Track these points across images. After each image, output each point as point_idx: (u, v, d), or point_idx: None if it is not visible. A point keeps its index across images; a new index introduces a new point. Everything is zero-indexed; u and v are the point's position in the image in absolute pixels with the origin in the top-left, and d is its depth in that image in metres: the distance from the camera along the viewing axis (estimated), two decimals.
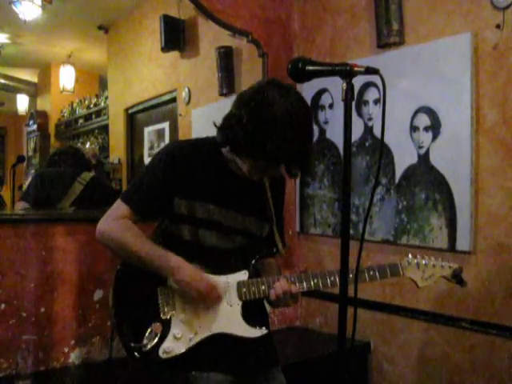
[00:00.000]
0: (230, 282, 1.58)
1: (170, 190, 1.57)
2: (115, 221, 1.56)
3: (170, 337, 1.53)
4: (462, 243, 2.36)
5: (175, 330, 1.53)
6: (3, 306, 2.24)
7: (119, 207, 1.58)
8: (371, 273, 1.63)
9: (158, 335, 1.53)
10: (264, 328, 1.60)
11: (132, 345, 1.52)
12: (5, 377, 2.21)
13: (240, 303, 1.57)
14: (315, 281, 1.60)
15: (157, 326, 1.53)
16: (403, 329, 2.65)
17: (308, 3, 3.15)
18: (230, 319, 1.56)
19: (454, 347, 2.43)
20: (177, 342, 1.53)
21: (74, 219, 2.50)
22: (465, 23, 2.37)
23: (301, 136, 1.44)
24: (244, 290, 1.57)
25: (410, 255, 1.66)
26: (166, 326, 1.54)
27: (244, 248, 1.64)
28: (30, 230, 2.32)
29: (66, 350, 2.39)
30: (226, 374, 1.56)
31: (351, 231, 1.14)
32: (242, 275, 1.59)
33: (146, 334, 1.52)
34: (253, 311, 1.60)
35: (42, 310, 2.33)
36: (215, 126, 1.55)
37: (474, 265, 2.35)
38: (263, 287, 1.57)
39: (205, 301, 1.54)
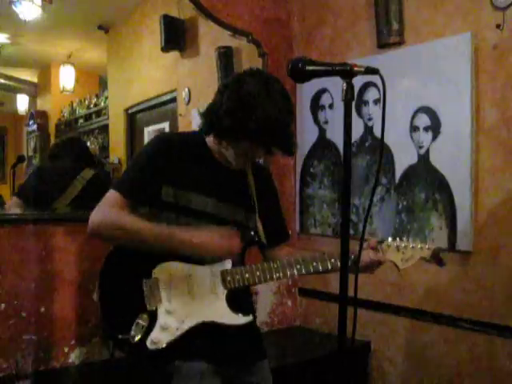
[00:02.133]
0: (214, 271, 1.59)
1: (157, 175, 1.59)
2: (110, 209, 1.56)
3: (157, 327, 1.54)
4: (462, 243, 2.36)
5: (162, 320, 1.54)
6: (3, 306, 2.24)
7: (110, 195, 1.59)
8: (352, 257, 1.62)
9: (145, 326, 1.53)
10: (250, 315, 1.62)
11: (120, 336, 1.54)
12: (5, 377, 2.21)
13: (225, 292, 1.59)
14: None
15: (143, 318, 1.54)
16: (403, 329, 2.65)
17: (308, 3, 3.15)
18: (215, 308, 1.58)
19: (454, 347, 2.43)
20: (164, 332, 1.54)
21: (73, 219, 2.49)
22: (465, 23, 2.37)
23: (280, 110, 1.50)
24: (228, 278, 1.59)
25: (389, 238, 1.67)
26: (153, 317, 1.55)
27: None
28: (29, 230, 2.32)
29: (66, 350, 2.39)
30: (208, 363, 1.57)
31: (351, 231, 1.15)
32: (226, 264, 1.61)
33: (133, 326, 1.53)
34: (238, 299, 1.62)
35: (42, 309, 2.33)
36: (199, 114, 1.64)
37: (473, 265, 2.36)
38: (247, 275, 1.59)
39: (223, 248, 1.55)
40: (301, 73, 1.18)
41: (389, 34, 2.63)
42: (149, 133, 4.23)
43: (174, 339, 1.54)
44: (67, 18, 4.52)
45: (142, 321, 1.54)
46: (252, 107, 1.48)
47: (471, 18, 2.35)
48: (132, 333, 1.53)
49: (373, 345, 2.79)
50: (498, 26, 2.24)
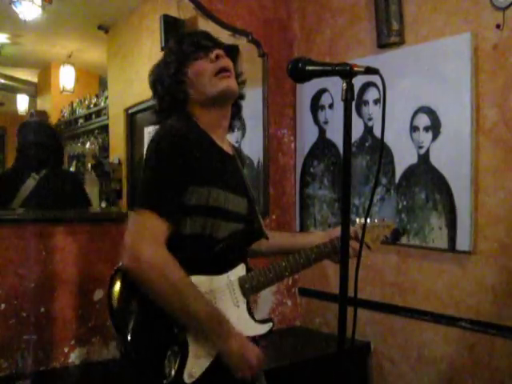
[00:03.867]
0: (232, 279, 1.47)
1: (186, 178, 1.38)
2: (160, 245, 1.31)
3: (190, 357, 1.38)
4: (462, 243, 2.36)
5: (194, 348, 1.39)
6: (3, 306, 2.24)
7: (148, 220, 1.32)
8: (328, 246, 1.64)
9: (179, 359, 1.37)
10: (270, 322, 1.53)
11: (164, 382, 1.36)
12: (5, 377, 2.21)
13: (245, 301, 1.49)
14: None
15: (174, 350, 1.37)
16: (403, 329, 2.65)
17: (308, 3, 3.15)
18: (241, 321, 1.46)
19: (454, 347, 2.43)
20: (198, 360, 1.39)
21: (73, 219, 2.49)
22: (465, 23, 2.37)
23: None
24: (247, 285, 1.48)
25: (357, 219, 1.69)
26: (184, 346, 1.38)
27: (243, 236, 1.53)
28: (29, 230, 2.32)
29: (66, 350, 2.39)
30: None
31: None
32: (241, 270, 1.49)
33: (166, 362, 1.36)
34: (250, 306, 1.53)
35: (42, 310, 2.33)
36: (155, 110, 1.57)
37: (474, 265, 2.36)
38: (262, 278, 1.50)
39: (245, 372, 1.41)
40: (301, 73, 1.18)
41: (389, 34, 2.63)
42: (149, 133, 4.22)
43: (208, 367, 1.39)
44: (67, 18, 4.52)
45: (174, 353, 1.37)
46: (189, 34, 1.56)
47: (471, 18, 2.35)
48: (166, 370, 1.35)
49: (373, 345, 2.79)
50: (497, 26, 2.24)
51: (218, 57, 1.47)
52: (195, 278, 1.40)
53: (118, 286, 1.45)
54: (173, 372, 1.35)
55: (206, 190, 1.40)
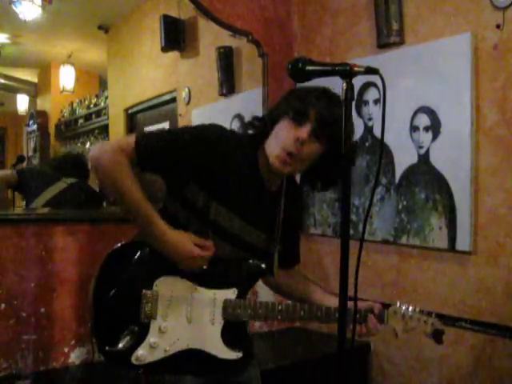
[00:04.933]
0: (217, 298, 1.50)
1: (188, 166, 1.45)
2: (113, 150, 1.42)
3: (145, 344, 1.46)
4: (462, 243, 2.36)
5: (152, 338, 1.46)
6: (3, 306, 2.24)
7: (125, 141, 1.45)
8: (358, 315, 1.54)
9: (134, 340, 1.45)
10: (240, 352, 1.53)
11: (107, 348, 1.46)
12: (5, 377, 2.21)
13: (222, 322, 1.50)
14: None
15: (134, 330, 1.46)
16: None
17: (308, 3, 3.15)
18: (209, 337, 1.50)
19: (454, 347, 2.43)
20: (151, 350, 1.46)
21: (74, 219, 2.50)
22: (465, 23, 2.37)
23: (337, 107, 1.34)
24: (229, 310, 1.50)
25: (398, 303, 1.61)
26: (144, 331, 1.46)
27: (241, 264, 1.56)
28: (30, 229, 2.32)
29: (66, 350, 2.39)
30: (197, 377, 1.52)
31: (351, 231, 1.14)
32: (231, 293, 1.52)
33: (122, 337, 1.45)
34: (233, 332, 1.53)
35: (42, 310, 2.33)
36: (255, 120, 1.57)
37: (473, 265, 2.35)
38: (249, 311, 1.51)
39: (195, 262, 1.45)
40: (301, 73, 1.18)
41: (389, 34, 2.63)
42: None
43: (159, 359, 1.46)
44: (67, 17, 4.52)
45: (132, 333, 1.45)
46: (311, 97, 1.43)
47: (471, 18, 2.35)
48: (119, 345, 1.44)
49: (373, 345, 2.79)
50: (498, 26, 2.23)
51: (298, 139, 1.41)
52: (178, 280, 1.49)
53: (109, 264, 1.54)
54: (121, 346, 1.44)
55: (212, 201, 1.47)
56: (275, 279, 1.66)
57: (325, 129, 1.42)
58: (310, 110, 1.41)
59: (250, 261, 1.56)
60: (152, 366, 1.46)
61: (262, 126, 1.52)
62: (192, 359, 1.50)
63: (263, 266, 1.57)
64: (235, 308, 1.50)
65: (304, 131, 1.40)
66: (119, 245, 1.54)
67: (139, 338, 1.45)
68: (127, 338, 1.45)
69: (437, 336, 1.62)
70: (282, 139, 1.43)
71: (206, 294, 1.50)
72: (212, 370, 1.54)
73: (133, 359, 1.45)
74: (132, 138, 1.44)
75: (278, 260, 1.59)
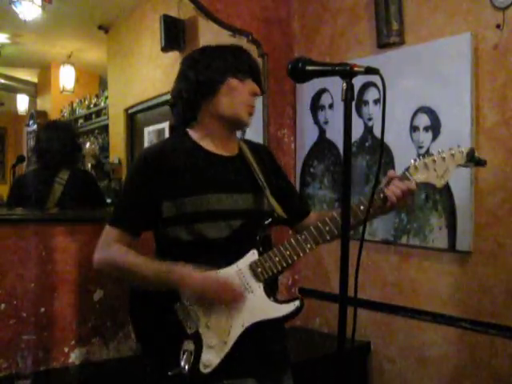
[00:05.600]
0: (242, 267, 1.48)
1: (154, 195, 1.50)
2: (109, 247, 1.52)
3: (205, 349, 1.44)
4: (462, 243, 2.36)
5: (207, 339, 1.45)
6: (3, 306, 2.24)
7: (108, 233, 1.54)
8: (381, 195, 1.51)
9: (193, 352, 1.44)
10: (296, 301, 1.52)
11: (170, 373, 1.45)
12: (5, 377, 2.21)
13: (261, 285, 1.48)
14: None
15: (188, 344, 1.45)
16: (403, 329, 2.65)
17: (308, 3, 3.15)
18: (258, 306, 1.47)
19: (454, 347, 2.43)
20: (212, 350, 1.44)
21: (74, 219, 2.49)
22: (465, 23, 2.37)
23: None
24: (259, 269, 1.47)
25: (412, 160, 1.50)
26: (197, 339, 1.45)
27: (247, 229, 1.54)
28: (30, 229, 2.32)
29: (66, 350, 2.39)
30: (252, 378, 1.51)
31: (351, 231, 1.14)
32: (251, 256, 1.49)
33: (181, 356, 1.44)
34: (274, 289, 1.54)
35: (42, 310, 2.33)
36: (170, 106, 1.63)
37: (473, 265, 2.36)
38: (277, 258, 1.48)
39: (225, 300, 1.46)
40: (301, 73, 1.18)
41: (389, 34, 2.63)
42: (149, 133, 4.23)
43: (224, 355, 1.45)
44: (67, 18, 4.52)
45: (188, 348, 1.44)
46: (219, 50, 1.61)
47: (471, 18, 2.35)
48: (182, 364, 1.43)
49: (373, 345, 2.79)
50: (498, 26, 2.24)
51: (256, 94, 1.58)
52: None
53: (135, 294, 1.60)
54: (187, 367, 1.43)
55: (186, 200, 1.49)
56: (298, 227, 1.72)
57: (260, 79, 1.61)
58: (249, 65, 1.58)
59: (255, 218, 1.57)
60: (222, 367, 1.45)
61: (183, 108, 1.58)
62: (256, 340, 1.48)
63: (269, 219, 1.57)
64: (263, 264, 1.48)
65: (256, 87, 1.57)
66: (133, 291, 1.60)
67: (197, 348, 1.45)
68: (186, 354, 1.44)
69: (474, 159, 1.45)
70: (241, 97, 1.54)
71: (229, 271, 1.48)
72: (263, 363, 1.54)
73: (201, 369, 1.44)
74: (111, 230, 1.54)
75: (291, 219, 1.66)
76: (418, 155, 1.53)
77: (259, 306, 1.47)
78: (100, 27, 4.76)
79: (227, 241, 1.51)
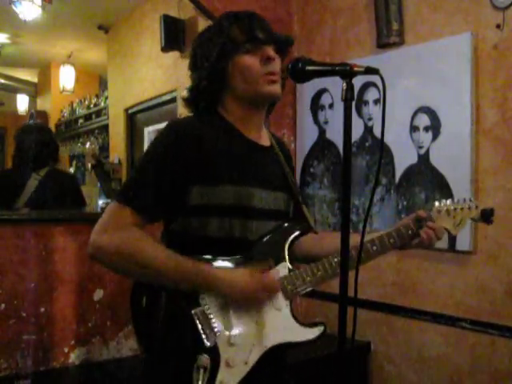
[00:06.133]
0: None
1: (183, 177, 1.27)
2: (119, 230, 1.23)
3: (222, 366, 1.24)
4: (462, 243, 2.36)
5: (226, 354, 1.24)
6: (3, 306, 2.24)
7: (121, 213, 1.25)
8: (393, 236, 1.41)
9: (208, 369, 1.21)
10: (321, 325, 1.38)
11: None
12: (5, 377, 2.21)
13: (288, 304, 1.34)
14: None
15: (203, 360, 1.21)
16: (403, 329, 2.65)
17: (308, 3, 3.15)
18: (282, 326, 1.32)
19: (454, 347, 2.43)
20: (231, 369, 1.24)
21: (74, 219, 2.50)
22: (465, 23, 2.37)
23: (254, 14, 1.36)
24: (289, 286, 1.32)
25: (436, 203, 1.48)
26: (214, 354, 1.23)
27: (276, 233, 1.37)
28: (30, 230, 2.32)
29: (66, 350, 2.39)
30: None
31: (351, 231, 1.14)
32: (282, 269, 1.33)
33: (194, 374, 1.21)
34: (295, 309, 1.37)
35: (42, 310, 2.33)
36: (187, 95, 1.41)
37: (473, 265, 2.36)
38: (308, 278, 1.33)
39: (264, 294, 1.28)
40: (301, 73, 1.18)
41: (389, 34, 2.64)
42: (149, 133, 4.23)
43: (243, 377, 1.25)
44: (67, 18, 4.53)
45: (203, 363, 1.21)
46: (237, 20, 1.34)
47: (471, 18, 2.35)
48: (194, 382, 1.20)
49: (373, 345, 2.79)
50: (498, 26, 2.24)
51: (269, 59, 1.32)
52: None
53: (139, 294, 1.32)
54: None
55: (221, 189, 1.28)
56: (311, 237, 1.49)
57: (280, 44, 1.37)
58: (250, 31, 1.33)
59: (286, 224, 1.40)
60: None
61: (207, 86, 1.36)
62: (272, 364, 1.33)
63: (295, 223, 1.41)
64: (293, 282, 1.33)
65: (267, 50, 1.33)
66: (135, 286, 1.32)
67: (213, 363, 1.23)
68: (199, 371, 1.21)
69: (486, 216, 1.52)
70: (255, 69, 1.32)
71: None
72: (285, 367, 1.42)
73: None
74: (123, 208, 1.25)
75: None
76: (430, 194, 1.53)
77: (284, 327, 1.33)
78: (100, 27, 4.77)
79: (256, 244, 1.34)
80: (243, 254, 1.32)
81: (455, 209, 1.49)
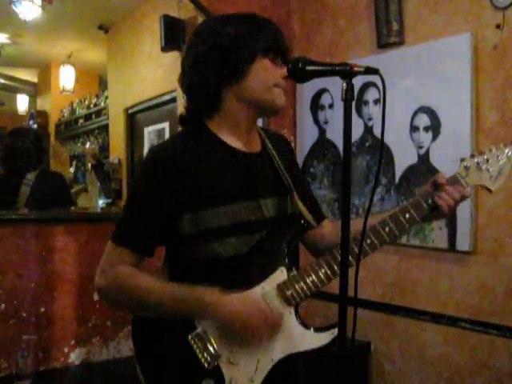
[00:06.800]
0: (267, 289, 1.24)
1: (169, 207, 1.23)
2: (114, 269, 1.24)
3: None
4: (462, 243, 2.36)
5: (230, 376, 1.21)
6: (3, 306, 2.24)
7: (113, 252, 1.26)
8: (429, 201, 1.29)
9: None
10: (333, 328, 1.26)
11: None
12: (5, 377, 2.21)
13: (292, 310, 1.25)
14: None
15: (207, 383, 1.20)
16: (403, 329, 2.65)
17: (308, 3, 3.15)
18: (288, 336, 1.24)
19: (454, 347, 2.43)
20: None
21: (74, 219, 2.50)
22: (465, 23, 2.37)
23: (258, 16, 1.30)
24: (289, 292, 1.24)
25: (459, 159, 1.30)
26: (218, 376, 1.21)
27: (272, 241, 1.30)
28: (30, 230, 2.32)
29: (66, 350, 2.39)
30: None
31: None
32: (280, 274, 1.26)
33: None
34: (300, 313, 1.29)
35: (42, 309, 2.33)
36: (185, 91, 1.35)
37: (473, 265, 2.36)
38: (311, 278, 1.26)
39: (266, 330, 1.21)
40: (301, 73, 1.18)
41: (389, 34, 2.63)
42: (149, 133, 4.23)
43: None
44: (67, 18, 4.53)
45: None
46: (238, 25, 1.26)
47: (471, 18, 2.35)
48: None
49: (373, 345, 2.79)
50: (498, 26, 2.24)
51: (286, 77, 1.26)
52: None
53: (138, 330, 1.33)
54: None
55: (210, 212, 1.23)
56: (313, 232, 1.43)
57: (288, 58, 1.31)
58: (277, 41, 1.28)
59: (283, 229, 1.33)
60: None
61: (202, 99, 1.30)
62: (283, 378, 1.27)
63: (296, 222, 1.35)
64: (293, 286, 1.25)
65: (285, 70, 1.23)
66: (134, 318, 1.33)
67: None
68: None
69: None
70: (274, 76, 1.27)
71: (253, 293, 1.24)
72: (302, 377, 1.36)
73: None
74: (116, 248, 1.26)
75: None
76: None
77: (290, 336, 1.24)
78: (100, 27, 4.78)
79: (249, 257, 1.26)
80: (244, 270, 1.26)
81: (487, 160, 1.29)
